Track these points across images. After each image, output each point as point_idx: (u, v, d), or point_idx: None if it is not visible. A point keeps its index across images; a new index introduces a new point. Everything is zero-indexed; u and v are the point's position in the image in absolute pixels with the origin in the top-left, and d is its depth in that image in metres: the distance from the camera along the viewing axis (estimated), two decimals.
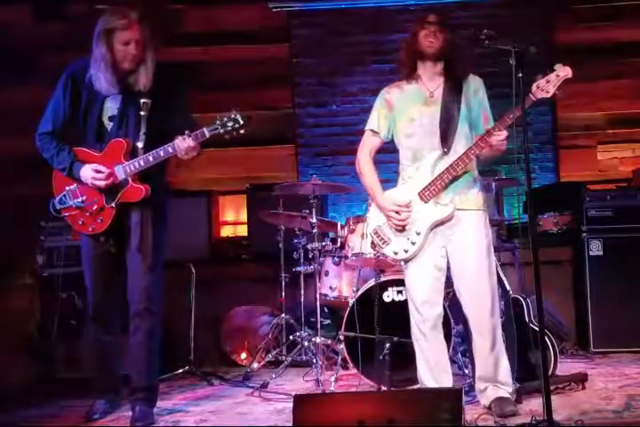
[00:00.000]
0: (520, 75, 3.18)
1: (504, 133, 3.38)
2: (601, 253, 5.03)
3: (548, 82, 3.29)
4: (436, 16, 3.61)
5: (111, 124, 3.78)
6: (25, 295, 5.15)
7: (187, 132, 3.58)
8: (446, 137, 3.56)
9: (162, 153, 3.65)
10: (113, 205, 3.73)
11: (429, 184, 3.54)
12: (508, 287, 3.84)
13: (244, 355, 5.26)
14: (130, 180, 3.70)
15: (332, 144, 6.22)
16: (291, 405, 2.85)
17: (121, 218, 3.77)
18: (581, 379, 4.01)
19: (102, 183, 3.69)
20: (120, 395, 4.03)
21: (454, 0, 5.96)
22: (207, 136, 3.58)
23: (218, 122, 3.55)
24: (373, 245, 3.75)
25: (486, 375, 3.61)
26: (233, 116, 3.54)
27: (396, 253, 3.62)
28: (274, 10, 6.18)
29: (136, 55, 3.68)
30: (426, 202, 3.55)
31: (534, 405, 3.56)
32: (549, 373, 3.81)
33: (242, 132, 3.56)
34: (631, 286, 4.92)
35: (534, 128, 5.97)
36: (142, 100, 3.69)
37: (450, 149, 3.55)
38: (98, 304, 3.90)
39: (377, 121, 3.73)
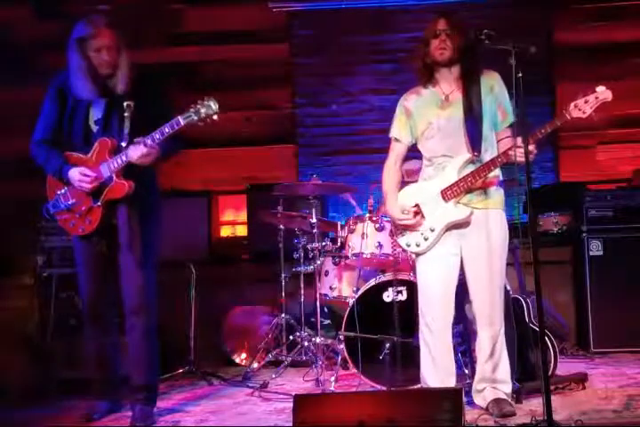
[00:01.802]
0: (520, 74, 3.18)
1: (531, 146, 3.35)
2: (601, 253, 5.03)
3: (586, 102, 3.28)
4: (446, 21, 3.58)
5: (97, 127, 3.82)
6: (25, 295, 5.14)
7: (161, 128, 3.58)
8: (474, 142, 3.55)
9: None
10: (99, 203, 3.75)
11: (452, 184, 3.55)
12: (508, 287, 3.84)
13: (243, 355, 5.26)
14: (114, 176, 3.72)
15: (332, 144, 6.21)
16: (291, 405, 2.85)
17: (109, 217, 3.79)
18: (581, 379, 4.01)
19: (88, 186, 3.72)
20: (120, 395, 4.02)
21: (454, 0, 5.96)
22: (182, 124, 3.56)
23: (192, 110, 3.55)
24: (391, 232, 3.83)
25: (486, 376, 3.61)
26: (206, 102, 3.54)
27: (408, 246, 3.68)
28: (274, 10, 6.18)
29: (109, 61, 3.73)
30: (446, 201, 3.57)
31: (534, 405, 3.56)
32: (549, 373, 3.80)
33: (215, 118, 3.54)
34: (631, 286, 4.92)
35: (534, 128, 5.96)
36: (125, 103, 3.71)
37: (480, 153, 3.56)
38: (93, 305, 3.90)
39: (398, 129, 3.77)
